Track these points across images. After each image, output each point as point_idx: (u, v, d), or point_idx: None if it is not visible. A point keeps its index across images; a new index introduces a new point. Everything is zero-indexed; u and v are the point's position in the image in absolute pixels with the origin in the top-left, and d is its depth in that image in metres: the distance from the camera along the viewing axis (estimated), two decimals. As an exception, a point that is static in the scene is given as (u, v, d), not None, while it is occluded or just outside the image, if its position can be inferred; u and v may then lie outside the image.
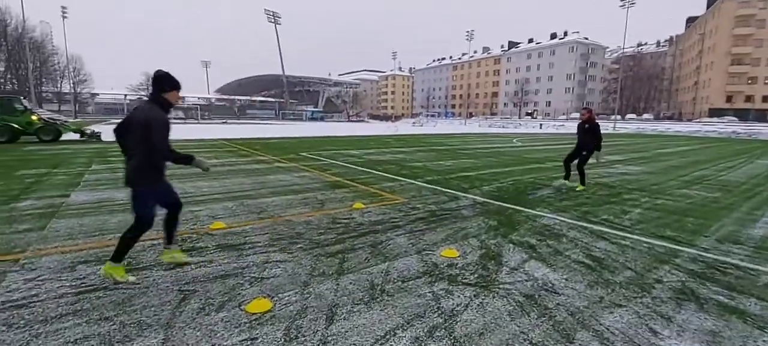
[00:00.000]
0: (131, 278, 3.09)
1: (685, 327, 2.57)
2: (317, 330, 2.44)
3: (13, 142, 16.42)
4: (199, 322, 2.52)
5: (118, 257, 3.02)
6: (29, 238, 4.10)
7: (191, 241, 4.07)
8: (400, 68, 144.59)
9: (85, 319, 2.53)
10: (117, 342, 2.27)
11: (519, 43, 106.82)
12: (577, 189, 7.37)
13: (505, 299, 2.92)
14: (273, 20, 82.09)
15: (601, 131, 7.39)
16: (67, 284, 3.02)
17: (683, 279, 3.35)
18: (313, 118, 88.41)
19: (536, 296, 2.96)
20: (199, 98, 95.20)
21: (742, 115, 60.76)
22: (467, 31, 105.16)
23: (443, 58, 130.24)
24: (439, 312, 2.70)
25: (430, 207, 5.80)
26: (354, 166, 10.31)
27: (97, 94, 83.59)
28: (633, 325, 2.58)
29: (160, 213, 3.22)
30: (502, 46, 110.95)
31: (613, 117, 61.96)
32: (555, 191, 7.26)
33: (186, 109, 73.32)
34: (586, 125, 7.43)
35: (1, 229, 4.40)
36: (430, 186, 7.56)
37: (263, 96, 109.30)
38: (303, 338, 2.35)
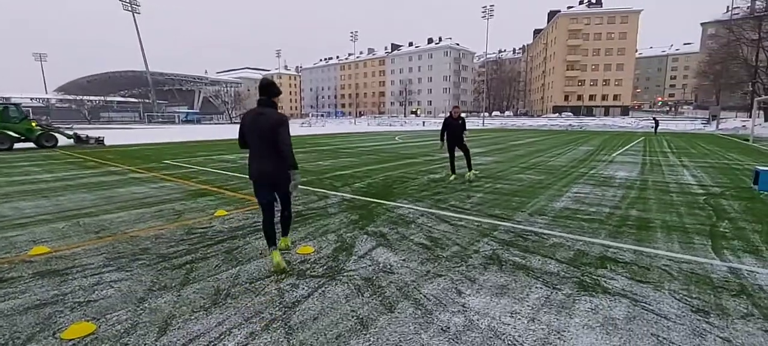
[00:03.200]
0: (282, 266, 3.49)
1: (483, 285, 3.19)
2: (146, 344, 2.37)
3: (11, 150, 16.51)
4: (-5, 361, 2.22)
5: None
6: None
7: (-1, 272, 3.48)
8: (286, 67, 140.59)
9: None
10: None
11: (401, 45, 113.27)
12: (468, 175, 8.57)
13: (346, 284, 3.21)
14: (130, 9, 71.54)
15: (469, 126, 8.57)
16: None
17: (495, 248, 4.11)
18: (188, 121, 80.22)
19: (374, 278, 3.33)
20: (31, 99, 78.25)
21: (576, 111, 74.86)
22: (352, 32, 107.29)
23: (330, 58, 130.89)
24: (281, 306, 2.85)
25: (298, 208, 5.91)
26: (226, 173, 9.82)
27: None
28: (445, 289, 3.10)
29: None
30: (385, 48, 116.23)
31: (481, 114, 70.16)
32: (421, 183, 8.05)
33: (17, 113, 59.44)
34: (460, 120, 8.42)
35: None
36: (302, 187, 7.66)
37: (123, 96, 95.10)
38: (127, 355, 2.27)
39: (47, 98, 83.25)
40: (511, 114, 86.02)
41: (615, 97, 78.45)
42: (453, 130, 8.47)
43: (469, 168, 8.74)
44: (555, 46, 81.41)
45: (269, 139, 3.29)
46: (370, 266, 3.61)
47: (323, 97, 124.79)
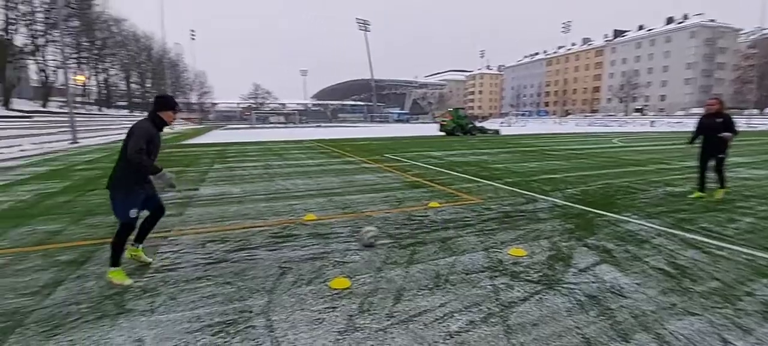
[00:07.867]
0: (128, 282, 3.22)
1: (764, 339, 2.43)
2: (385, 306, 2.88)
3: (457, 137, 27.82)
4: (293, 291, 3.13)
5: (114, 261, 3.23)
6: (173, 221, 5.26)
7: (289, 229, 4.84)
8: (488, 67, 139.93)
9: (213, 282, 3.31)
10: (236, 299, 2.98)
11: (626, 31, 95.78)
12: (715, 196, 6.43)
13: (566, 297, 3.02)
14: (363, 28, 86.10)
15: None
16: (200, 256, 3.92)
17: (783, 294, 3.05)
18: (399, 120, 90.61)
19: (600, 297, 3.00)
20: (297, 104, 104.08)
21: None
22: (564, 23, 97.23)
23: (536, 53, 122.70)
24: (497, 302, 2.93)
25: (505, 208, 5.88)
26: (434, 168, 10.63)
27: (216, 104, 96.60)
28: (702, 333, 2.52)
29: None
30: (605, 36, 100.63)
31: (745, 112, 52.10)
32: (654, 196, 6.72)
33: (287, 114, 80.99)
34: (718, 119, 6.27)
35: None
36: (508, 188, 7.55)
37: (353, 100, 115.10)
38: (373, 311, 2.80)
39: (305, 103, 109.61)
40: (805, 111, 60.36)
41: None
42: (709, 131, 6.38)
43: (720, 184, 6.48)
44: None
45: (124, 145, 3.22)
46: (593, 282, 3.28)
47: (525, 95, 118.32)
